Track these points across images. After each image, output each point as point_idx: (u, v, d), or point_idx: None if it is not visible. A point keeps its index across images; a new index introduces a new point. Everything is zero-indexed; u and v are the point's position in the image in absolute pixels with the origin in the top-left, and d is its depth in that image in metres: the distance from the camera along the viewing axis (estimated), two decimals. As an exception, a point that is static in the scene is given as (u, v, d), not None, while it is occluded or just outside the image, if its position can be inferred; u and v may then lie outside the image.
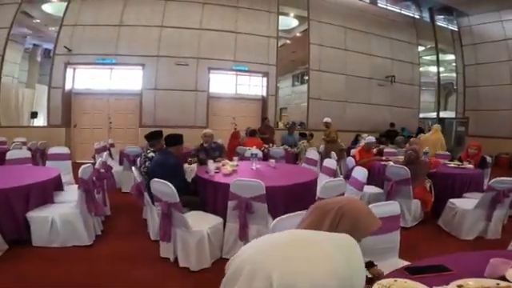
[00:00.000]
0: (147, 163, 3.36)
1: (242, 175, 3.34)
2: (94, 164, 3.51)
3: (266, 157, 5.48)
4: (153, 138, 3.63)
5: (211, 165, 3.40)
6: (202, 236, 2.58)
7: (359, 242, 1.18)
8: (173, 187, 2.43)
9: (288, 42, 10.89)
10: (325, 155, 5.91)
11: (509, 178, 3.47)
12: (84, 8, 8.10)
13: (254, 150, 3.90)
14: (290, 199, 2.95)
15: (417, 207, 3.88)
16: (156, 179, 2.55)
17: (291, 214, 1.62)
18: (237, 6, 9.11)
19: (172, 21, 8.51)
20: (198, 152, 4.22)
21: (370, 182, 4.58)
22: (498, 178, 3.48)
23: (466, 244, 3.41)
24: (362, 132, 8.65)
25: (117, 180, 4.77)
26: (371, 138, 5.22)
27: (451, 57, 12.46)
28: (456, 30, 12.31)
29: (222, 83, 9.40)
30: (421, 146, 6.69)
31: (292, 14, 10.40)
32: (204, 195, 3.18)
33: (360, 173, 3.57)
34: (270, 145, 6.85)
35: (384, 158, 5.36)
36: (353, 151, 5.57)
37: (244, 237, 2.71)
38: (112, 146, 6.02)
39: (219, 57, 8.87)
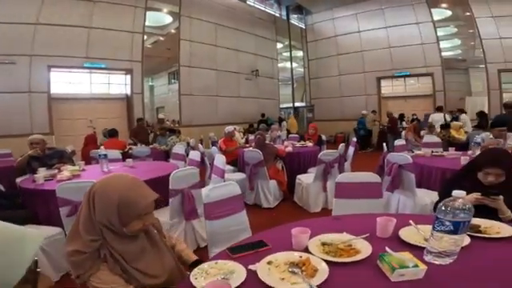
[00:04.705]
0: None
1: (87, 179, 2.89)
2: None
3: (131, 157, 4.99)
4: None
5: (41, 172, 2.84)
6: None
7: (141, 218, 1.06)
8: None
9: (161, 38, 10.29)
10: None
11: (332, 151, 4.04)
12: None
13: (102, 150, 3.45)
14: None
15: (275, 187, 4.26)
16: None
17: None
18: (93, 1, 7.87)
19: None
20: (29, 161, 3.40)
21: (239, 169, 4.88)
22: (324, 151, 4.05)
23: (315, 217, 3.73)
24: (234, 124, 9.09)
25: None
26: (230, 128, 5.52)
27: (301, 53, 14.46)
28: (304, 27, 14.24)
29: (73, 83, 8.01)
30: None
31: (165, 10, 9.86)
32: (34, 207, 2.65)
33: (219, 160, 3.65)
34: (139, 145, 6.38)
35: (248, 145, 5.79)
36: (220, 141, 5.78)
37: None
38: None
39: (64, 53, 7.44)
